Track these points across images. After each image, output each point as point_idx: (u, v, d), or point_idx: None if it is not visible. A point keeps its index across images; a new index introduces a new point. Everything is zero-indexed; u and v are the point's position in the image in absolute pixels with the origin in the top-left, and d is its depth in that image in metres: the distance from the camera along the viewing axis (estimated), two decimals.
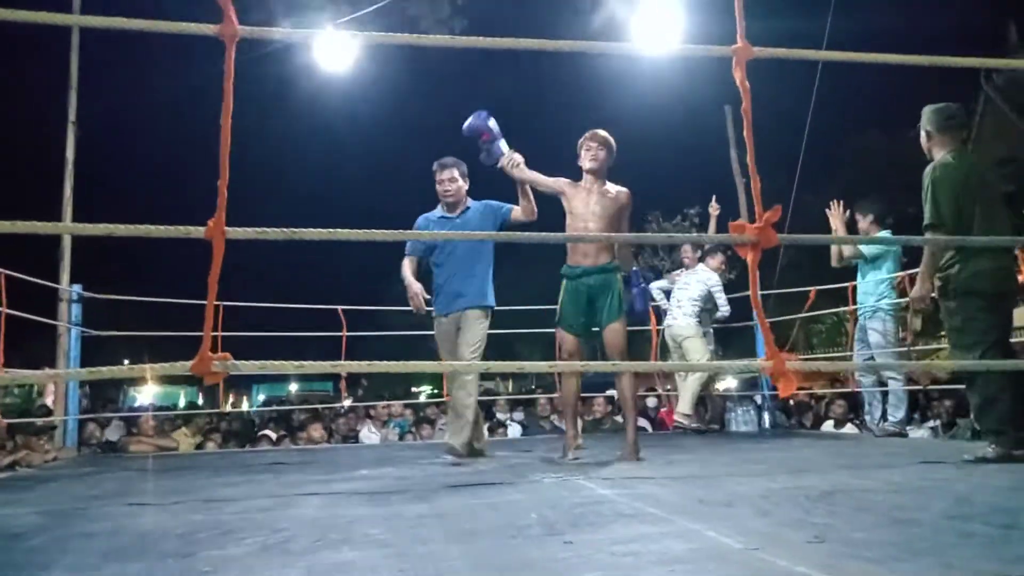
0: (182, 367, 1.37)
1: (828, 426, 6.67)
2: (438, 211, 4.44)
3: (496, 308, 4.32)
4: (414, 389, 19.44)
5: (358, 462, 4.24)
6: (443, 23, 8.91)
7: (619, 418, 7.55)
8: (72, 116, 6.79)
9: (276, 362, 1.64)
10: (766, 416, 6.73)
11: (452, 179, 4.34)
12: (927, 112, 3.65)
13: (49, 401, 7.29)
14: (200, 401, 21.46)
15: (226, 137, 1.52)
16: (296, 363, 1.62)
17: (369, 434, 7.09)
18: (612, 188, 4.00)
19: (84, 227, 2.33)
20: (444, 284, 4.29)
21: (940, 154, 3.56)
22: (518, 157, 4.05)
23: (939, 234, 3.44)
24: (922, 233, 3.51)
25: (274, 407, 12.30)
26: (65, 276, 6.29)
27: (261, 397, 22.40)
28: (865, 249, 5.43)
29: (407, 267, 4.33)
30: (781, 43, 2.15)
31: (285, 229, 1.61)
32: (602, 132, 4.04)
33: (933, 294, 3.58)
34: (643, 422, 7.60)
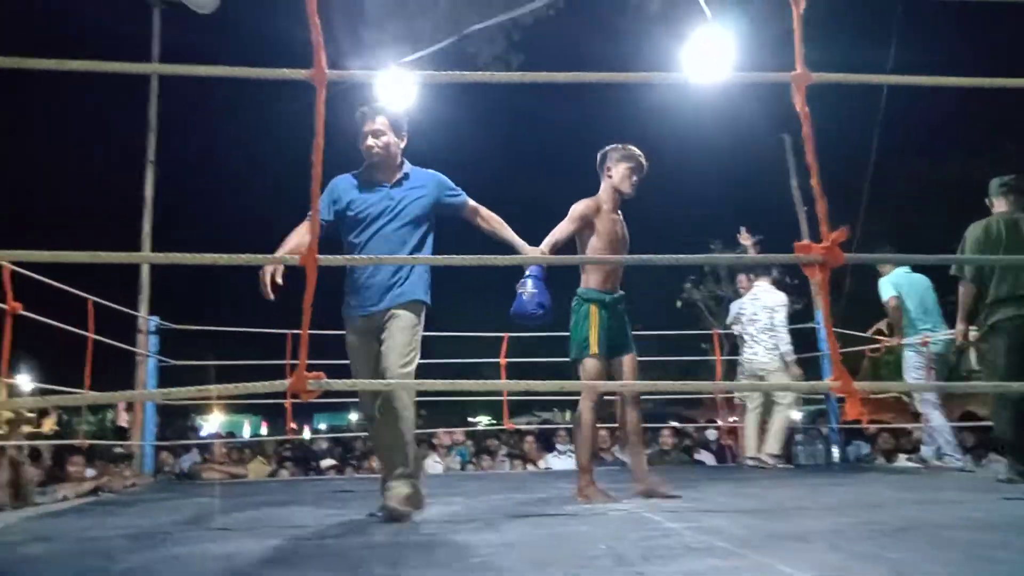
0: (281, 385, 1.46)
1: (900, 459, 6.47)
2: (368, 173, 3.30)
3: (554, 335, 4.12)
4: (470, 419, 19.50)
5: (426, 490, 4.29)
6: (500, 59, 9.10)
7: (689, 454, 7.47)
8: (151, 156, 7.15)
9: (364, 380, 1.71)
10: (834, 449, 6.55)
11: (380, 131, 3.22)
12: (991, 183, 4.40)
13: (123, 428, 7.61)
14: (263, 430, 21.94)
15: (317, 173, 1.61)
16: (383, 382, 1.69)
17: (432, 463, 7.17)
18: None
19: (183, 256, 2.47)
20: (365, 273, 3.15)
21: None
22: (544, 249, 3.52)
23: (962, 286, 4.31)
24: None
25: (335, 435, 12.50)
26: (144, 307, 6.58)
27: (323, 426, 22.78)
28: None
29: (295, 235, 3.09)
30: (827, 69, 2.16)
31: (372, 256, 1.69)
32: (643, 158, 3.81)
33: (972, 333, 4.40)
34: (705, 455, 7.49)
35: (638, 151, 3.78)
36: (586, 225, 3.66)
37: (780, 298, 6.17)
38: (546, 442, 7.89)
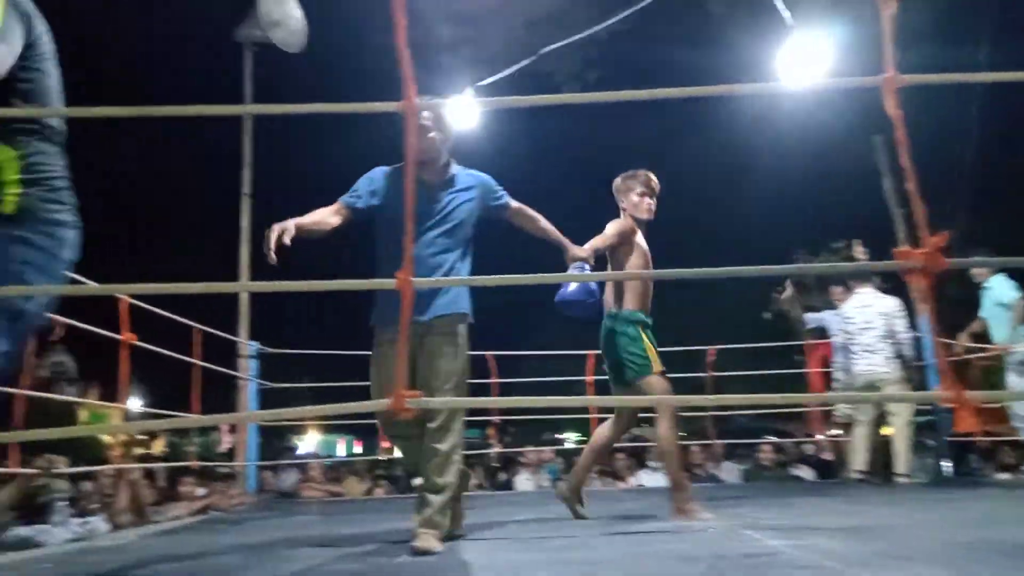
0: (384, 404, 1.51)
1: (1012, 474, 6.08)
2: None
3: (599, 352, 3.95)
4: (558, 436, 19.45)
5: (516, 508, 4.32)
6: (576, 77, 9.13)
7: (790, 468, 7.24)
8: (246, 189, 7.50)
9: (462, 398, 1.75)
10: (943, 464, 6.22)
11: (427, 127, 2.91)
12: None
13: (224, 450, 7.96)
14: (357, 449, 22.47)
15: (410, 197, 1.66)
16: (484, 399, 1.72)
17: (524, 480, 7.19)
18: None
19: (279, 284, 2.59)
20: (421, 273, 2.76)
21: None
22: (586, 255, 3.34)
23: None
24: None
25: None
26: (244, 333, 6.89)
27: None
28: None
29: (318, 213, 2.86)
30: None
31: (465, 277, 1.74)
32: (654, 178, 3.71)
33: None
34: (804, 470, 7.24)
35: (644, 172, 3.68)
36: (624, 243, 3.58)
37: (895, 303, 5.84)
38: (637, 458, 7.80)
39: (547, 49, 6.34)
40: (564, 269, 3.22)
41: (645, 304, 3.59)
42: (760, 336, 8.89)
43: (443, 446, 2.73)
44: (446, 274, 2.85)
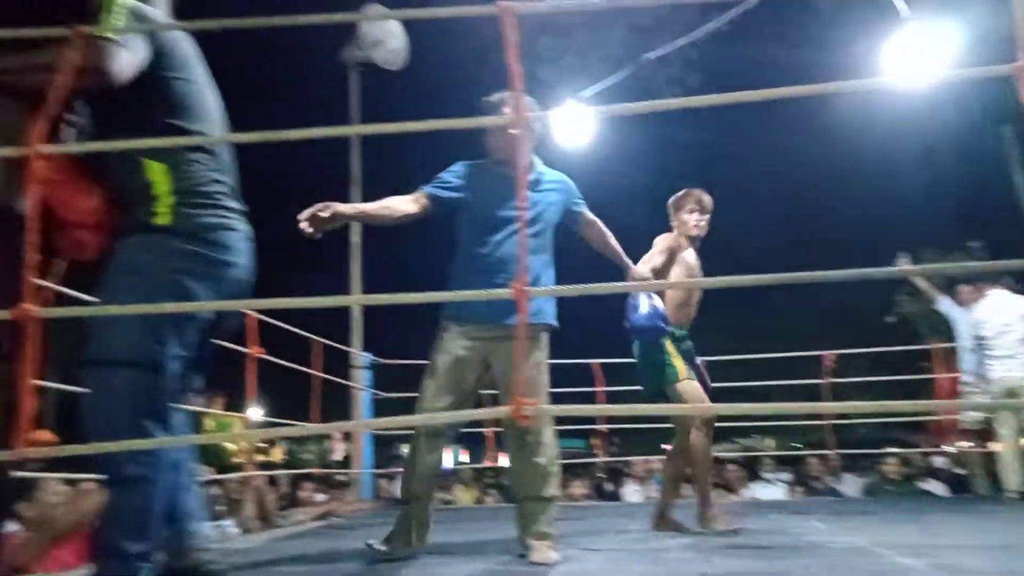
0: (504, 412, 1.53)
1: None
2: (500, 167, 2.79)
3: (749, 358, 3.92)
4: (664, 446, 19.08)
5: (626, 519, 4.27)
6: (676, 81, 8.99)
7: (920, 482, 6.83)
8: None
9: (579, 407, 1.75)
10: None
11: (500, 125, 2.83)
12: None
13: (337, 457, 8.26)
14: (463, 458, 22.80)
15: (524, 213, 1.68)
16: (597, 407, 1.73)
17: (632, 491, 7.10)
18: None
19: (389, 297, 2.67)
20: (485, 273, 2.67)
21: None
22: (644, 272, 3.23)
23: None
24: None
25: None
26: (357, 344, 7.14)
27: None
28: None
29: (390, 200, 2.76)
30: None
31: (577, 286, 1.75)
32: (707, 197, 3.67)
33: None
34: (934, 484, 6.81)
35: (697, 191, 3.64)
36: (670, 257, 3.53)
37: None
38: (749, 470, 7.57)
39: (648, 56, 6.28)
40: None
41: (681, 318, 3.52)
42: (882, 341, 8.43)
43: (543, 459, 2.66)
44: (536, 278, 2.72)
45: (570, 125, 6.27)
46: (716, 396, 3.70)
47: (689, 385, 3.40)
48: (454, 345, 2.72)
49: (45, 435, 1.49)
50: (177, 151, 1.87)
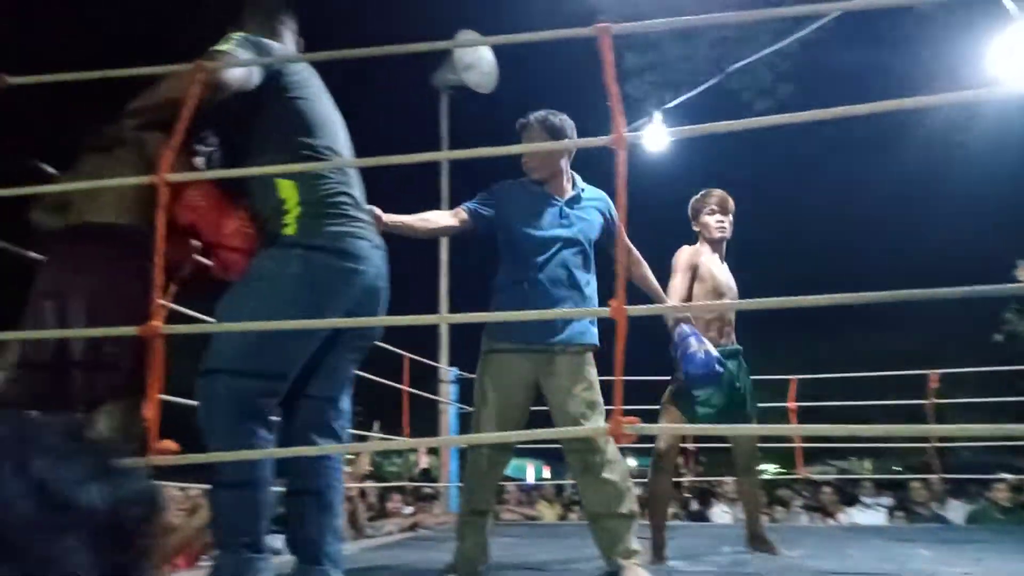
0: (601, 431, 1.53)
1: None
2: (538, 186, 2.84)
3: (848, 376, 3.75)
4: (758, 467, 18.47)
5: (718, 540, 4.17)
6: (766, 93, 8.79)
7: None
8: None
9: (672, 424, 1.72)
10: None
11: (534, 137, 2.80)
12: None
13: (423, 467, 8.39)
14: (545, 474, 22.74)
15: (622, 231, 1.68)
16: (693, 427, 1.70)
17: (721, 512, 6.93)
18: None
19: (476, 316, 2.70)
20: (543, 297, 2.68)
21: None
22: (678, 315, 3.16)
23: None
24: None
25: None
26: (444, 360, 7.25)
27: None
28: None
29: (430, 214, 2.85)
30: None
31: (676, 304, 1.74)
32: (729, 198, 3.50)
33: None
34: None
35: (718, 191, 3.48)
36: (693, 273, 3.36)
37: None
38: (846, 494, 7.26)
39: (734, 67, 6.18)
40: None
41: (710, 332, 3.27)
42: (989, 360, 7.97)
43: (614, 475, 2.61)
44: (586, 299, 2.73)
45: (653, 139, 6.24)
46: (811, 415, 3.57)
47: (671, 410, 3.24)
48: (504, 366, 2.71)
49: (169, 444, 1.58)
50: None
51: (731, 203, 3.48)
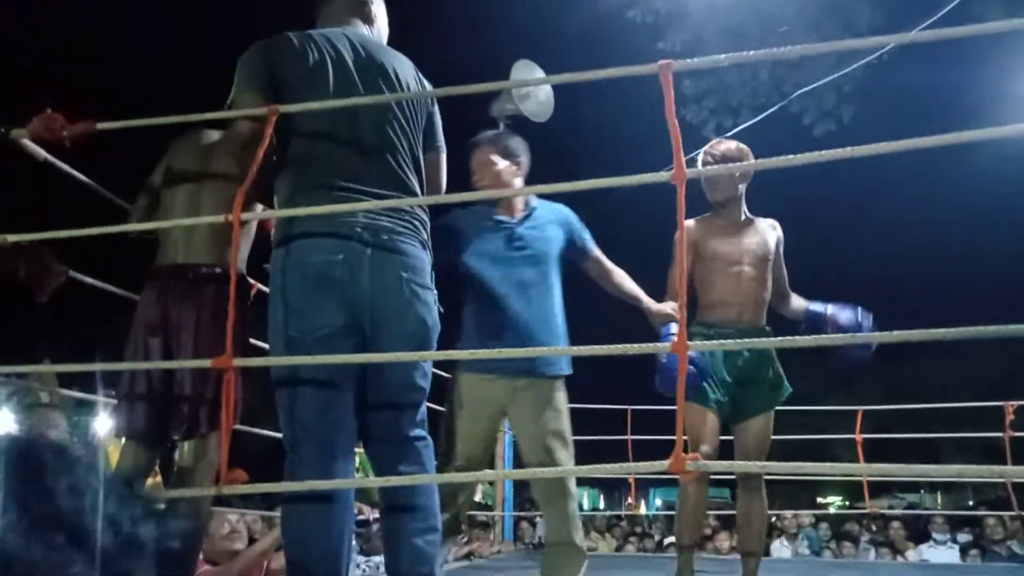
0: (660, 466, 1.52)
1: None
2: (489, 209, 2.79)
3: (918, 407, 3.48)
4: (820, 500, 17.93)
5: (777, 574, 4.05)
6: (829, 115, 8.64)
7: None
8: None
9: (738, 462, 1.70)
10: None
11: (485, 163, 2.76)
12: None
13: (477, 498, 8.38)
14: (601, 504, 22.47)
15: (682, 269, 1.68)
16: (756, 464, 1.67)
17: (781, 547, 6.73)
18: (757, 221, 3.03)
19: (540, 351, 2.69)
20: (505, 320, 2.62)
21: None
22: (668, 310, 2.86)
23: None
24: None
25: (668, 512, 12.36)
26: None
27: (658, 501, 22.68)
28: None
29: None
30: None
31: (738, 340, 1.71)
32: (726, 145, 2.96)
33: None
34: None
35: (712, 141, 3.06)
36: (690, 251, 2.96)
37: None
38: (915, 528, 6.96)
39: (796, 94, 6.10)
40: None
41: (722, 311, 2.93)
42: None
43: (572, 506, 2.65)
44: (555, 326, 2.69)
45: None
46: (877, 449, 3.41)
47: (692, 412, 2.83)
48: (473, 390, 2.68)
49: (240, 474, 1.63)
50: (296, 180, 1.94)
51: (727, 148, 2.93)
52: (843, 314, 2.94)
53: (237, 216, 1.64)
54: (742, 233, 2.96)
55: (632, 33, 7.43)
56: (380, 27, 2.25)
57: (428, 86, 2.18)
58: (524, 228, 2.75)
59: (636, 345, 1.59)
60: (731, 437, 3.02)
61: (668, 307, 2.84)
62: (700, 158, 3.02)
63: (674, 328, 2.75)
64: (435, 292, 2.02)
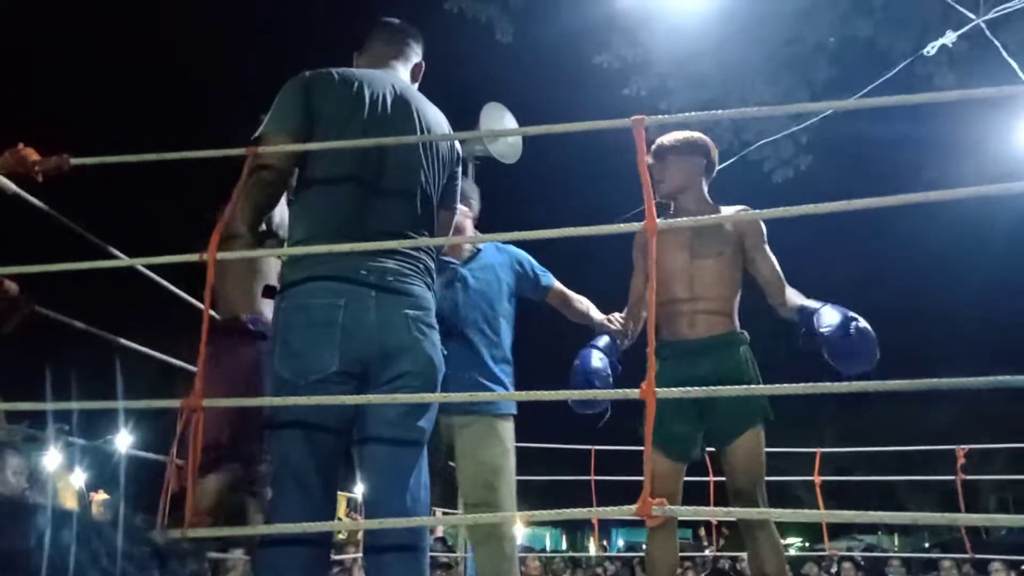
0: (628, 511, 1.53)
1: None
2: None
3: (875, 450, 3.18)
4: (784, 541, 17.99)
5: None
6: (788, 163, 8.91)
7: None
8: None
9: (705, 508, 1.71)
10: None
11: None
12: None
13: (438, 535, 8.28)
14: (563, 545, 22.27)
15: (652, 314, 1.72)
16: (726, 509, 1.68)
17: None
18: (721, 208, 2.68)
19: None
20: (451, 364, 2.33)
21: None
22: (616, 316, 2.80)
23: None
24: None
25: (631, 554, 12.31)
26: None
27: (620, 542, 22.56)
28: None
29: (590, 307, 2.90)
30: None
31: (705, 387, 1.74)
32: (677, 136, 2.73)
33: None
34: None
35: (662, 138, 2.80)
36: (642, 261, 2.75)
37: None
38: (874, 571, 7.05)
39: (757, 145, 6.30)
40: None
41: (674, 325, 2.65)
42: (1021, 433, 7.80)
43: (509, 550, 2.59)
44: (497, 359, 2.69)
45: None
46: (835, 490, 3.33)
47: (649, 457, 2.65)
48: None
49: (204, 516, 1.60)
50: (301, 210, 1.98)
51: (673, 141, 2.71)
52: (830, 315, 2.42)
53: (212, 254, 1.64)
54: (696, 227, 2.66)
55: (599, 77, 7.62)
56: (415, 70, 2.26)
57: (458, 145, 2.18)
58: (467, 269, 2.74)
59: (604, 391, 1.62)
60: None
61: (612, 317, 2.77)
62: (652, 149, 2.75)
63: (602, 341, 2.69)
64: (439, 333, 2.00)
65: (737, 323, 2.68)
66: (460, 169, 2.20)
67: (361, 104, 1.96)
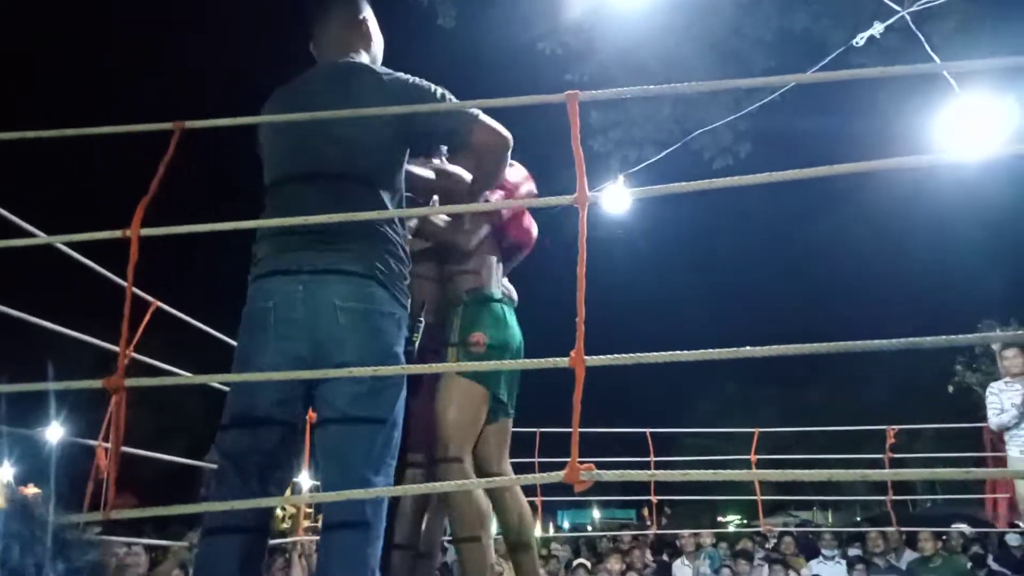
0: (556, 476, 1.55)
1: None
2: None
3: (809, 430, 3.49)
4: (720, 519, 18.47)
5: None
6: (727, 151, 9.09)
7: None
8: None
9: (632, 472, 1.74)
10: None
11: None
12: None
13: None
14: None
15: (581, 286, 1.72)
16: (646, 473, 1.73)
17: (682, 567, 6.90)
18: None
19: None
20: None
21: None
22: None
23: None
24: None
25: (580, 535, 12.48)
26: None
27: (566, 524, 22.82)
28: None
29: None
30: None
31: (636, 354, 1.75)
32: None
33: None
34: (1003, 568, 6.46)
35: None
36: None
37: None
38: (807, 546, 7.29)
39: (698, 132, 6.39)
40: None
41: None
42: (946, 412, 8.16)
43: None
44: None
45: (615, 200, 6.35)
46: (773, 468, 3.53)
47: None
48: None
49: (128, 499, 1.56)
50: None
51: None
52: None
53: (135, 231, 1.59)
54: None
55: (542, 63, 7.62)
56: (375, 42, 2.19)
57: (396, 95, 1.96)
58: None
59: (532, 360, 1.63)
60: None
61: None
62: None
63: None
64: (397, 315, 1.90)
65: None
66: (428, 127, 2.02)
67: (291, 110, 1.96)
